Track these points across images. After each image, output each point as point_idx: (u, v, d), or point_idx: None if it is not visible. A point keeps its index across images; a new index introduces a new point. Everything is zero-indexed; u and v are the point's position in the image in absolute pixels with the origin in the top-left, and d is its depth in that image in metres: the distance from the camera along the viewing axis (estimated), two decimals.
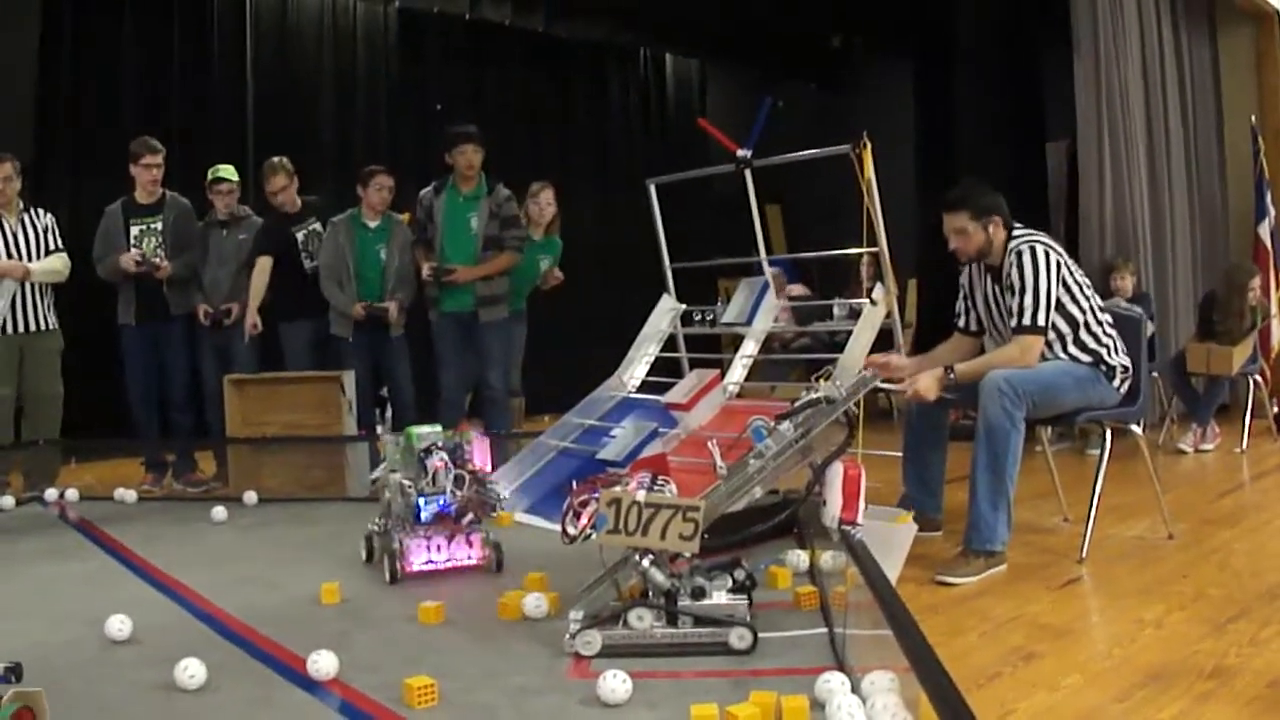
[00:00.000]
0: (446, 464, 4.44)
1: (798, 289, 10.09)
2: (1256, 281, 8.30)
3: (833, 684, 2.83)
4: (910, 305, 10.64)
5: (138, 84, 9.06)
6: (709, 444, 3.77)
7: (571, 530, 3.58)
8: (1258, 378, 8.27)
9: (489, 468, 4.65)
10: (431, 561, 4.49)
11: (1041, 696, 3.02)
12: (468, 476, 4.45)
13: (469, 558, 4.56)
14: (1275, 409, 8.60)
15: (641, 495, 3.39)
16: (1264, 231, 9.50)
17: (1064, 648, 3.47)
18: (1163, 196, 9.27)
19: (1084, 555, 4.61)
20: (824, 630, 3.58)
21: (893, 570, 3.81)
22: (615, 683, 2.92)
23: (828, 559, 4.06)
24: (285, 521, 5.92)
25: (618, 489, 3.46)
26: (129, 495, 6.61)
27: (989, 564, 4.40)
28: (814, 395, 3.76)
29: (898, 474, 5.19)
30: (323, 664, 3.19)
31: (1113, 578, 4.37)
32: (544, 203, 7.51)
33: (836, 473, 3.47)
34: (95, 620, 3.67)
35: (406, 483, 4.46)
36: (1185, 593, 4.06)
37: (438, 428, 4.63)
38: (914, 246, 10.04)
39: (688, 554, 3.44)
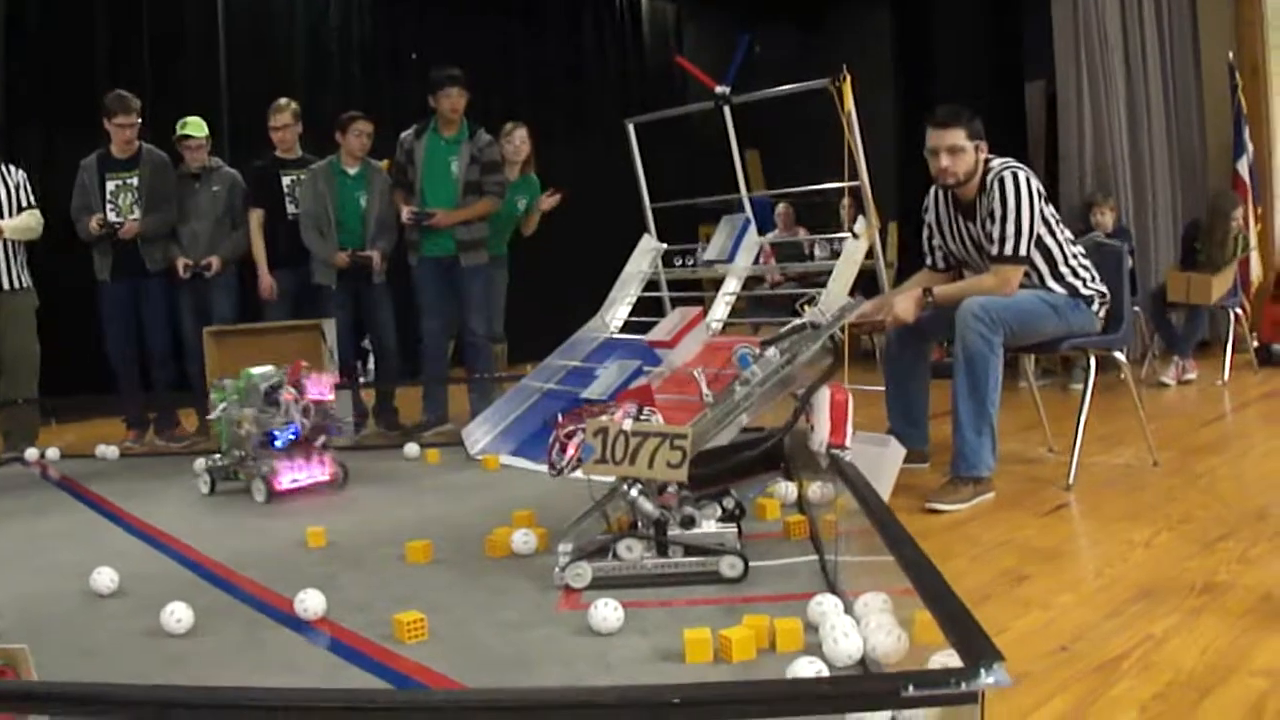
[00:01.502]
0: (295, 397, 5.08)
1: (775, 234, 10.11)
2: (1240, 211, 8.31)
3: (826, 606, 2.82)
4: (892, 246, 10.64)
5: (109, 37, 8.93)
6: (695, 372, 3.74)
7: (559, 462, 3.55)
8: (1238, 311, 8.30)
9: (329, 396, 5.24)
10: (296, 480, 5.12)
11: (1035, 615, 3.02)
12: (312, 406, 5.11)
13: (323, 474, 5.21)
14: (1256, 343, 8.64)
15: (628, 424, 3.37)
16: (1242, 167, 9.48)
17: (1055, 569, 3.47)
18: (1142, 133, 9.29)
19: (1071, 482, 4.61)
20: (815, 558, 3.58)
21: (883, 493, 3.81)
22: (607, 611, 2.90)
23: (816, 489, 4.06)
24: None
25: (604, 419, 3.43)
26: (110, 452, 6.56)
27: (977, 490, 4.40)
28: (799, 321, 3.74)
29: (881, 410, 5.18)
30: (310, 603, 3.17)
31: (1100, 503, 4.37)
32: (518, 141, 7.43)
33: (824, 398, 3.45)
34: (80, 572, 3.63)
35: (261, 416, 5.05)
36: (1173, 515, 4.06)
37: (271, 367, 5.21)
38: (895, 188, 10.03)
39: (675, 484, 3.42)
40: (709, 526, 3.51)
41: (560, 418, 3.66)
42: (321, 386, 5.19)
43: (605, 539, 3.45)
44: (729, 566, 3.36)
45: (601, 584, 3.33)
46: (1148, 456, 5.04)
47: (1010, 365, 4.85)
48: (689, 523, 3.45)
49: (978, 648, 1.56)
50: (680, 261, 6.49)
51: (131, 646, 3.06)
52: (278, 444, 5.05)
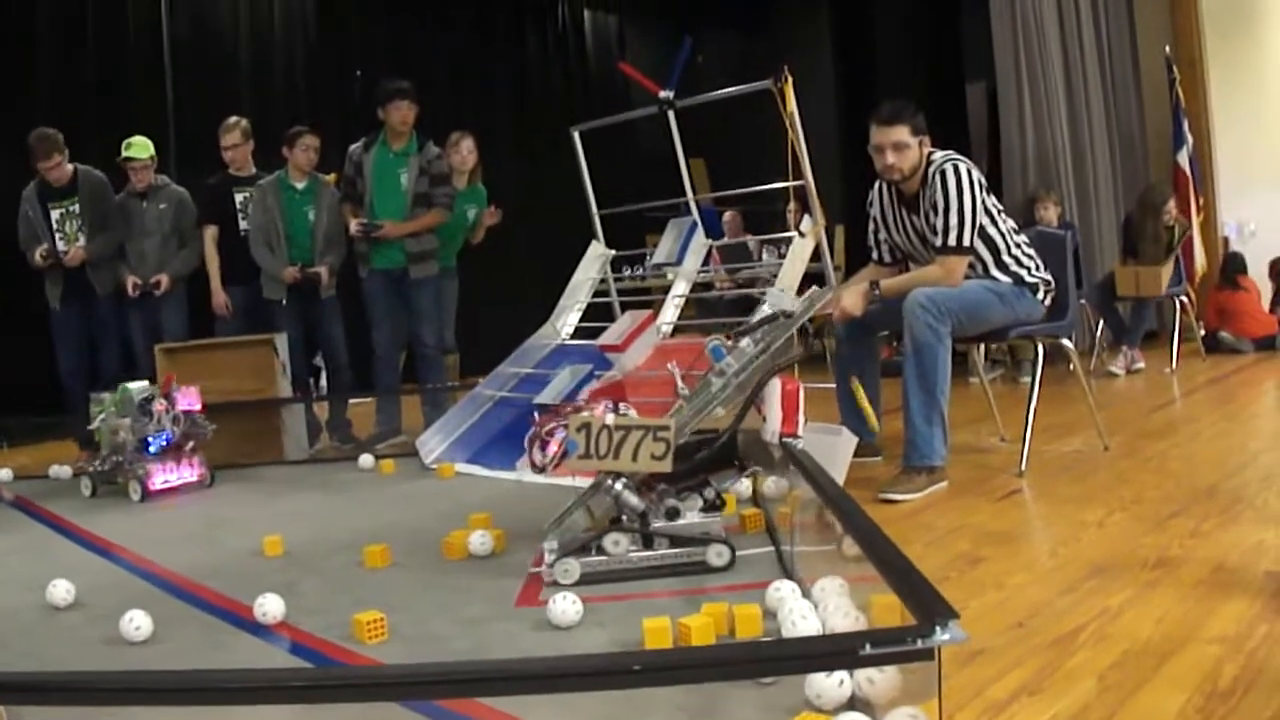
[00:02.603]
0: (166, 408, 5.61)
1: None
2: (1172, 204, 8.41)
3: (783, 592, 2.83)
4: (840, 251, 10.68)
5: (51, 50, 8.87)
6: (669, 365, 3.74)
7: (540, 460, 3.56)
8: (1183, 299, 8.39)
9: (197, 407, 5.76)
10: (168, 480, 5.66)
11: (990, 594, 3.04)
12: (182, 415, 5.66)
13: (193, 475, 5.79)
14: (1203, 331, 8.75)
15: (611, 419, 3.37)
16: (1183, 159, 9.62)
17: (1009, 551, 3.50)
18: (1082, 129, 9.38)
19: (1023, 469, 4.65)
20: (771, 549, 3.60)
21: (836, 480, 3.83)
22: (565, 605, 2.90)
23: (770, 484, 4.08)
24: (224, 485, 5.85)
25: (586, 414, 3.43)
26: (64, 472, 6.48)
27: (930, 480, 4.43)
28: (770, 310, 3.77)
29: (834, 408, 5.19)
30: (270, 608, 3.15)
31: (1052, 487, 4.42)
32: (465, 151, 7.42)
33: (774, 388, 3.47)
34: (36, 586, 3.59)
35: (135, 426, 5.57)
36: (1124, 496, 4.11)
37: (145, 383, 5.79)
38: (840, 192, 10.08)
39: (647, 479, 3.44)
40: (692, 517, 3.52)
41: (537, 416, 3.67)
42: (190, 398, 5.74)
43: (590, 535, 3.45)
44: (716, 555, 3.37)
45: (590, 580, 3.33)
46: (1098, 442, 5.09)
47: (959, 360, 4.88)
48: (674, 514, 3.46)
49: (932, 606, 1.58)
50: (629, 270, 6.50)
51: (92, 655, 3.03)
52: (151, 449, 5.59)
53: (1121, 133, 9.77)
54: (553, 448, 3.52)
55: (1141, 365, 7.97)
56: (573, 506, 3.54)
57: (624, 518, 3.47)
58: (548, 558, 3.39)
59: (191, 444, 5.73)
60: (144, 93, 9.33)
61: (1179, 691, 2.28)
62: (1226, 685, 2.29)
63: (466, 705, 2.30)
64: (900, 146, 4.73)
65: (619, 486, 3.44)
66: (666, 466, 3.31)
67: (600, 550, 3.41)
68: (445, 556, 3.82)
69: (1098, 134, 9.49)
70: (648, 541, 3.43)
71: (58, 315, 7.06)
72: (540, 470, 3.58)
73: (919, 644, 1.50)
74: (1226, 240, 9.99)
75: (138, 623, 3.09)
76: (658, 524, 3.45)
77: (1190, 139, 9.65)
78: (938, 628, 1.51)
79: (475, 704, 2.29)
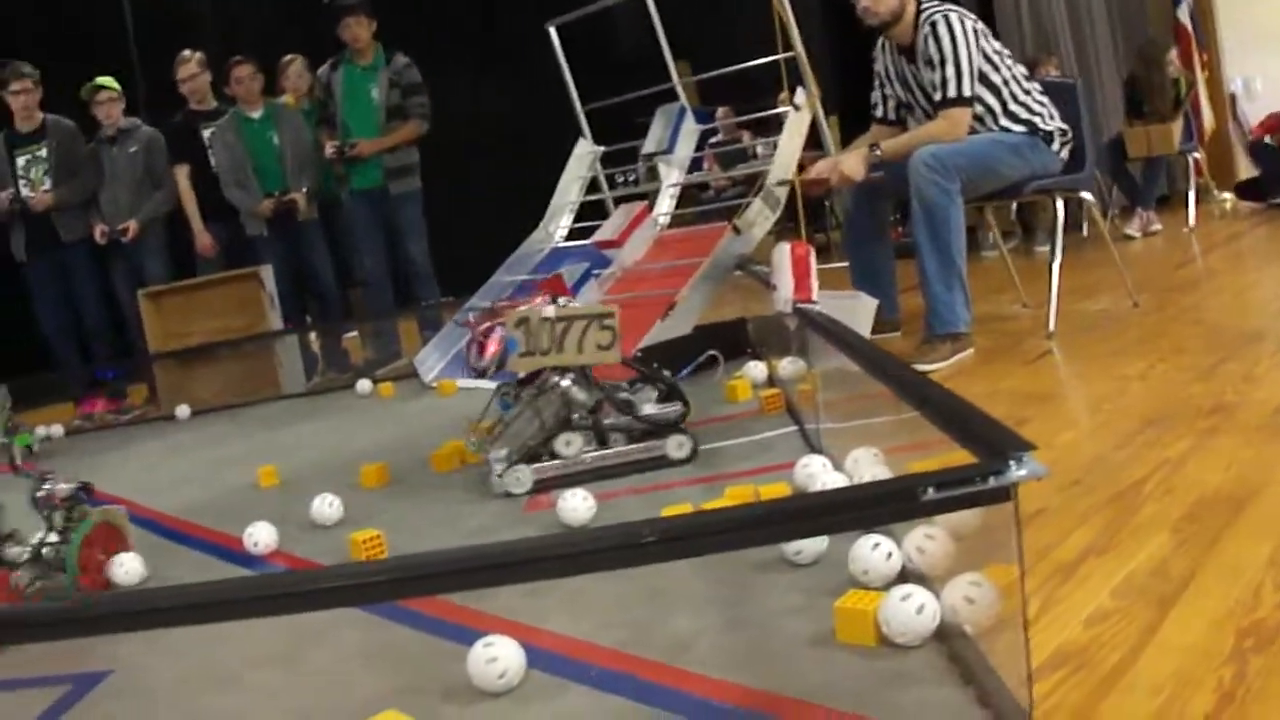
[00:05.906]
0: None
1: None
2: (1174, 53, 8.16)
3: (813, 467, 2.59)
4: (834, 143, 10.38)
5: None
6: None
7: (478, 364, 3.32)
8: (1195, 157, 8.15)
9: None
10: None
11: (1040, 454, 2.77)
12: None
13: None
14: (1222, 195, 8.55)
15: (551, 310, 3.11)
16: (1183, 14, 9.33)
17: (1052, 410, 3.28)
18: None
19: (1052, 330, 4.41)
20: (794, 428, 3.36)
21: None
22: (575, 501, 2.66)
23: (786, 364, 3.85)
24: (221, 427, 5.64)
25: (524, 309, 3.16)
26: (56, 430, 6.31)
27: (955, 348, 4.19)
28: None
29: (846, 285, 4.94)
30: (260, 536, 2.94)
31: (1085, 345, 4.19)
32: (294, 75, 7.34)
33: (784, 254, 3.20)
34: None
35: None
36: (1164, 347, 3.88)
37: None
38: (834, 86, 9.81)
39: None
40: (648, 409, 3.26)
41: (471, 318, 3.43)
42: None
43: (540, 437, 3.18)
44: (676, 447, 3.14)
45: (544, 486, 3.10)
46: (1126, 300, 4.85)
47: (969, 234, 4.63)
48: (627, 408, 3.21)
49: (1003, 440, 1.32)
50: (622, 179, 6.23)
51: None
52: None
53: None
54: (492, 348, 3.27)
55: (1158, 227, 7.73)
56: (519, 411, 3.22)
57: (575, 416, 3.21)
58: (496, 468, 3.13)
59: None
60: (107, 35, 9.05)
61: (1264, 538, 2.04)
62: None
63: (476, 618, 2.09)
64: None
65: (566, 383, 3.17)
66: (615, 357, 3.07)
67: (553, 454, 3.16)
68: (440, 470, 3.59)
69: None
70: (603, 440, 3.19)
71: (31, 269, 6.87)
72: (481, 374, 3.34)
73: (992, 482, 1.24)
74: (1234, 97, 9.71)
75: (126, 567, 2.88)
76: (610, 420, 3.20)
77: None
78: (1012, 463, 1.26)
79: (485, 615, 2.09)
